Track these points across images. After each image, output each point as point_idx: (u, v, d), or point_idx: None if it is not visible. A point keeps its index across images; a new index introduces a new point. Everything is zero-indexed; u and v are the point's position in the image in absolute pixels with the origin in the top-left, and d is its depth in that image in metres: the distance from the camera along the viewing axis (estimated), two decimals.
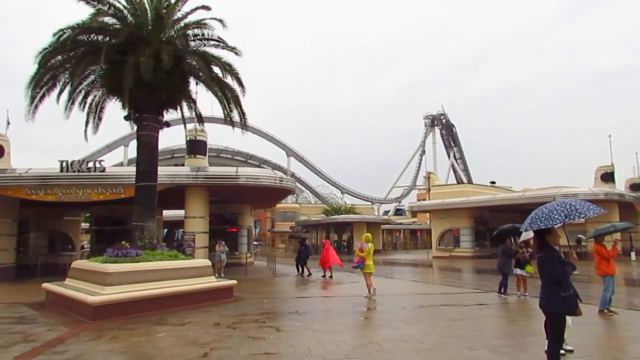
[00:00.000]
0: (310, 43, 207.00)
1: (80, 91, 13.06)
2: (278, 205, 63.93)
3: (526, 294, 11.83)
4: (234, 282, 12.24)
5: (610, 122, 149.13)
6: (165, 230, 41.06)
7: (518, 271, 11.97)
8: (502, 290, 12.17)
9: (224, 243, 18.64)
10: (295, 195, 79.33)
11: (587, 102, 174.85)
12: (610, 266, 9.17)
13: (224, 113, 12.94)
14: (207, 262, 12.13)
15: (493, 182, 44.73)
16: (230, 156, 69.07)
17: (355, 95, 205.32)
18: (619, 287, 14.46)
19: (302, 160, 76.58)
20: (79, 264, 11.24)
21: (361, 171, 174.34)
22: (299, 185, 78.33)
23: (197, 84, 13.26)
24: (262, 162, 70.90)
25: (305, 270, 19.25)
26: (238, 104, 13.06)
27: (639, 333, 7.44)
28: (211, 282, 11.57)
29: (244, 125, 13.26)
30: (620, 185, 35.58)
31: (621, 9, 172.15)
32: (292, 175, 74.64)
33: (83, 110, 13.39)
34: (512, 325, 8.28)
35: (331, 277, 18.04)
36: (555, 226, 4.91)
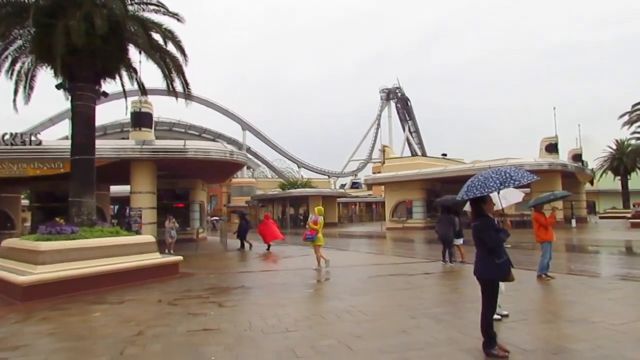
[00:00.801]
0: (269, 14, 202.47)
1: (6, 57, 12.08)
2: (234, 180, 63.31)
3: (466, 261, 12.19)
4: (180, 258, 11.90)
5: (558, 97, 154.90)
6: (117, 206, 39.80)
7: (458, 242, 12.42)
8: (448, 259, 12.46)
9: (173, 219, 18.14)
10: (251, 169, 78.61)
11: (538, 78, 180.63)
12: (548, 233, 9.44)
13: (166, 83, 12.34)
14: (151, 238, 11.70)
15: (444, 155, 45.69)
16: (183, 130, 67.24)
17: (315, 69, 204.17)
18: (559, 254, 15.10)
19: (258, 134, 75.68)
20: (10, 242, 10.57)
21: (319, 146, 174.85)
22: (255, 160, 77.55)
23: (140, 53, 12.54)
24: (216, 137, 69.40)
25: (245, 244, 19.37)
26: (181, 73, 12.47)
27: (574, 297, 7.69)
28: (155, 258, 11.19)
29: (188, 96, 12.73)
30: (564, 157, 37.08)
31: None
32: (248, 149, 73.69)
33: (11, 78, 12.44)
34: (453, 293, 8.41)
35: (268, 249, 18.47)
36: (491, 193, 4.88)
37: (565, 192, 10.67)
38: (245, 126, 73.82)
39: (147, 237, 11.79)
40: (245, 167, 72.61)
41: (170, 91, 12.49)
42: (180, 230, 23.11)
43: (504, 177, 4.88)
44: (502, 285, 4.83)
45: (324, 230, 12.60)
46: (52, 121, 57.94)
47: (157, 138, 55.76)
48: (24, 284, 8.43)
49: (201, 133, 68.95)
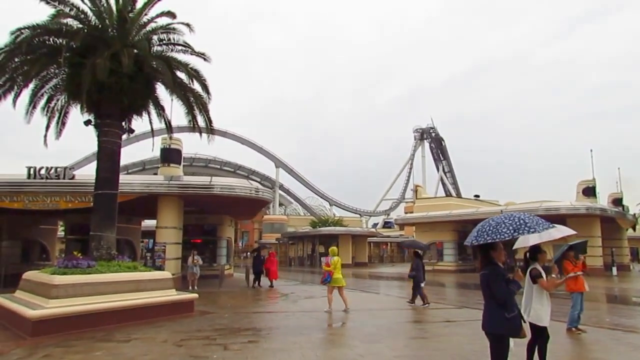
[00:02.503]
0: (304, 55, 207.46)
1: (42, 95, 12.55)
2: (265, 217, 63.51)
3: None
4: (195, 295, 11.68)
5: (595, 138, 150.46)
6: (151, 240, 40.39)
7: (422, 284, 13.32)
8: (421, 301, 13.04)
9: (197, 255, 18.06)
10: (283, 206, 78.91)
11: (577, 118, 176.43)
12: (578, 282, 8.73)
13: (188, 119, 12.48)
14: (167, 274, 11.57)
15: (477, 196, 44.51)
16: (218, 166, 68.56)
17: (348, 107, 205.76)
18: (596, 304, 14.06)
19: (291, 171, 76.10)
20: (29, 275, 10.63)
21: (352, 184, 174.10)
22: (288, 197, 77.90)
23: (169, 92, 12.81)
24: (250, 173, 70.35)
25: (256, 281, 19.44)
26: (204, 110, 12.62)
27: (603, 354, 6.97)
28: (170, 295, 11.00)
29: (210, 131, 12.82)
30: (604, 200, 35.45)
31: (612, 26, 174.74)
32: (281, 186, 74.22)
33: (46, 115, 12.88)
34: (471, 344, 7.78)
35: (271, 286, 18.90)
36: (503, 240, 4.48)
37: (579, 241, 9.84)
38: (279, 163, 74.54)
39: (164, 273, 11.67)
40: (277, 204, 73.31)
41: (193, 127, 12.62)
42: (206, 266, 23.15)
43: (517, 223, 4.49)
44: (512, 341, 4.36)
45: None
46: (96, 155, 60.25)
47: (193, 174, 56.66)
48: (34, 318, 8.35)
49: (235, 169, 70.06)
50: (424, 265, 13.85)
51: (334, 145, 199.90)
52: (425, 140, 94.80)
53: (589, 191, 31.57)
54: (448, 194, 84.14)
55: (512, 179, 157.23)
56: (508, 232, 4.40)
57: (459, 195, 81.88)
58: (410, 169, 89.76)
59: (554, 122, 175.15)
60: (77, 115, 12.73)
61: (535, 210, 26.07)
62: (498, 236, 4.39)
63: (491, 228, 4.50)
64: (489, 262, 4.47)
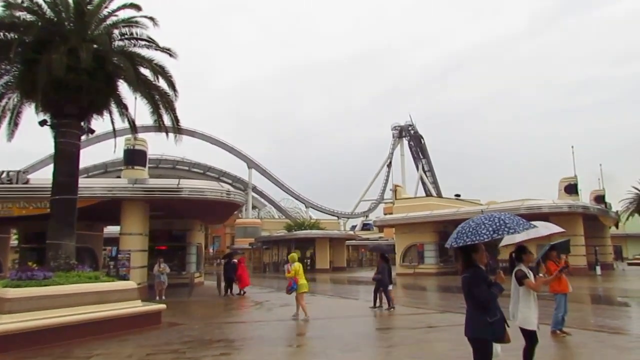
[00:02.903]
0: (278, 51, 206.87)
1: None
2: (238, 220, 63.07)
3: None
4: (162, 306, 11.51)
5: (576, 134, 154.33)
6: (115, 248, 39.65)
7: (390, 287, 13.83)
8: (387, 304, 13.53)
9: (163, 263, 17.85)
10: (257, 209, 78.49)
11: (556, 114, 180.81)
12: (562, 283, 8.94)
13: (153, 118, 12.31)
14: (132, 285, 11.38)
15: (458, 195, 45.15)
16: (187, 168, 67.82)
17: (324, 106, 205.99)
18: (580, 305, 14.42)
19: (264, 172, 75.88)
20: None
21: (329, 185, 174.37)
22: (261, 199, 77.58)
23: (132, 90, 12.60)
24: (220, 175, 69.82)
25: (228, 289, 19.45)
26: (171, 108, 12.46)
27: (588, 357, 7.16)
28: (135, 307, 10.81)
29: (177, 130, 12.67)
30: (586, 198, 36.42)
31: (595, 21, 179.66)
32: (254, 188, 73.90)
33: None
34: (455, 350, 7.88)
35: (244, 293, 19.14)
36: (482, 242, 4.55)
37: (562, 240, 10.13)
38: (251, 164, 74.20)
39: (129, 283, 11.48)
40: (250, 207, 72.93)
41: (159, 127, 12.45)
42: (175, 274, 22.88)
43: (497, 224, 4.56)
44: (498, 347, 4.42)
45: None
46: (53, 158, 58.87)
47: (160, 176, 55.67)
48: None
49: (205, 171, 69.42)
50: (390, 268, 14.29)
51: (310, 145, 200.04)
52: (404, 138, 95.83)
53: (571, 189, 32.40)
54: (428, 194, 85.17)
55: (493, 177, 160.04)
56: (487, 233, 4.47)
57: (439, 195, 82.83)
58: (389, 168, 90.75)
59: (534, 118, 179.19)
60: (31, 115, 12.43)
61: (517, 209, 26.63)
62: (478, 238, 4.45)
63: (471, 229, 4.56)
64: (471, 265, 4.52)
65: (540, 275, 7.90)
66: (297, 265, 12.08)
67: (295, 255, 12.48)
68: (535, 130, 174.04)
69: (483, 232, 4.48)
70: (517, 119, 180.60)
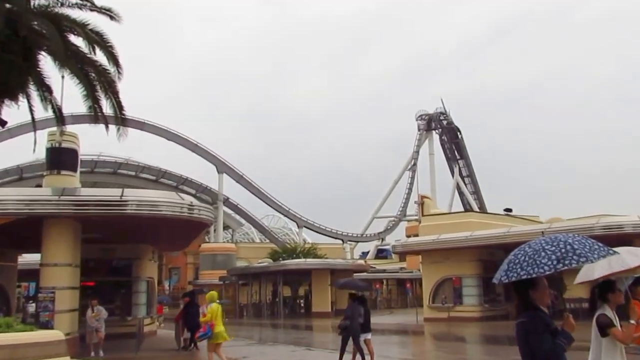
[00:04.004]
0: (258, 12, 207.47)
1: None
2: (204, 246, 63.22)
3: None
4: None
5: None
6: (33, 284, 39.57)
7: (365, 336, 14.11)
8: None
9: (98, 303, 17.88)
10: (230, 230, 78.60)
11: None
12: None
13: (88, 104, 12.40)
14: (59, 335, 11.39)
15: (509, 210, 45.22)
16: (133, 173, 67.86)
17: (323, 86, 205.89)
18: None
19: (241, 179, 75.75)
20: None
21: (329, 196, 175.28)
22: (236, 216, 77.63)
23: (59, 66, 12.68)
24: (180, 182, 69.88)
25: (191, 342, 19.55)
26: (112, 91, 12.59)
27: None
28: None
29: (121, 121, 12.79)
30: None
31: None
32: (227, 200, 73.97)
33: None
34: None
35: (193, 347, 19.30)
36: (544, 275, 4.58)
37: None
38: (223, 167, 74.21)
39: (53, 334, 11.49)
40: (221, 227, 72.99)
41: (96, 116, 12.52)
42: (117, 320, 22.84)
43: (563, 250, 4.57)
44: None
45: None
46: None
47: (96, 185, 56.05)
48: None
49: (159, 177, 69.51)
50: (368, 310, 14.55)
51: (305, 142, 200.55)
52: (434, 132, 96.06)
53: None
54: (468, 208, 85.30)
55: (558, 186, 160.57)
56: (550, 263, 4.48)
57: (483, 210, 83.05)
58: (413, 172, 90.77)
59: (614, 105, 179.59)
60: None
61: (590, 228, 26.67)
62: (536, 269, 4.46)
63: (527, 258, 4.58)
64: (528, 306, 4.55)
65: (632, 322, 7.78)
66: (216, 307, 12.62)
67: (214, 294, 13.17)
68: (612, 122, 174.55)
69: (543, 261, 4.49)
70: (587, 105, 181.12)
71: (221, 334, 12.53)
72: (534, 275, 4.47)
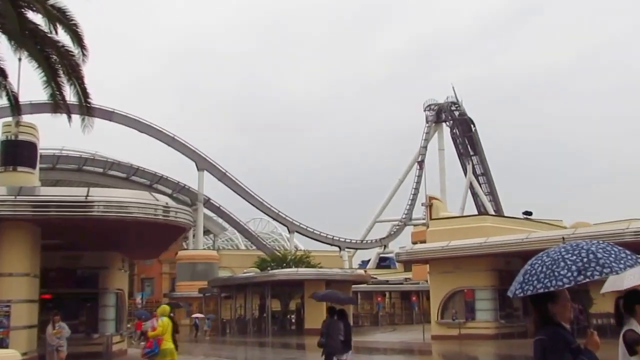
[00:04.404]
0: None
1: None
2: (181, 253, 63.25)
3: None
4: None
5: None
6: None
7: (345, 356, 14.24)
8: None
9: (60, 319, 17.86)
10: (211, 235, 78.50)
11: None
12: None
13: (48, 91, 12.36)
14: (15, 355, 11.41)
15: (528, 213, 45.19)
16: (101, 169, 67.69)
17: (317, 74, 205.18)
18: None
19: (224, 177, 75.58)
20: None
21: (325, 197, 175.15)
22: (218, 220, 77.54)
23: (14, 47, 12.64)
24: (155, 181, 69.77)
25: None
26: (76, 76, 12.53)
27: None
28: None
29: (87, 110, 12.74)
30: None
31: None
32: (207, 202, 73.82)
33: None
34: None
35: None
36: (563, 287, 4.59)
37: None
38: (203, 164, 73.99)
39: (8, 354, 11.51)
40: (201, 232, 72.79)
41: (57, 104, 12.50)
42: (81, 338, 22.77)
43: (585, 260, 4.57)
44: None
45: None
46: None
47: (59, 183, 55.65)
48: None
49: (130, 175, 69.36)
50: (348, 326, 14.70)
51: (298, 136, 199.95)
52: (444, 124, 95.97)
53: None
54: (482, 211, 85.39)
55: (584, 187, 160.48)
56: (569, 274, 4.46)
57: (499, 213, 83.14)
58: (421, 170, 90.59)
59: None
60: None
61: (619, 234, 26.68)
62: (555, 282, 4.46)
63: (544, 269, 4.58)
64: (547, 322, 4.55)
65: None
66: (166, 322, 12.75)
67: (166, 308, 13.41)
68: None
69: (562, 273, 4.49)
70: (620, 95, 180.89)
71: (169, 351, 12.59)
72: (552, 289, 4.47)
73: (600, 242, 4.83)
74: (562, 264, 4.56)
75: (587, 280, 4.52)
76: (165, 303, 26.64)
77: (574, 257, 4.61)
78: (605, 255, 4.59)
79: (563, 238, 23.93)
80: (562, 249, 4.73)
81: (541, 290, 4.48)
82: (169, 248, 32.04)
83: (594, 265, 4.50)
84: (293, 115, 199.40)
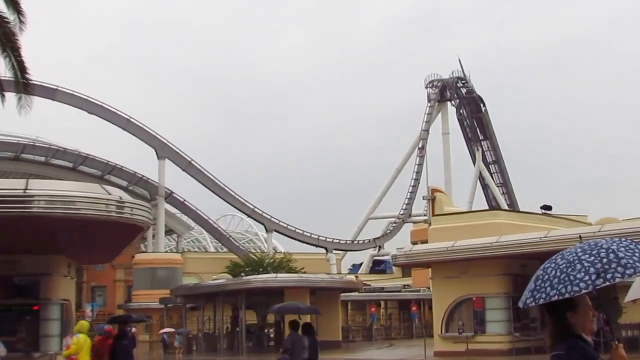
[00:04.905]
0: None
1: None
2: (138, 257, 63.10)
3: None
4: None
5: None
6: None
7: None
8: None
9: None
10: (175, 235, 78.42)
11: None
12: None
13: None
14: None
15: (548, 208, 45.33)
16: (42, 158, 67.48)
17: (300, 43, 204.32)
18: None
19: (189, 167, 75.41)
20: None
21: (308, 191, 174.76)
22: (182, 217, 77.39)
23: None
24: (107, 171, 69.58)
25: None
26: (11, 47, 12.47)
27: None
28: None
29: (24, 87, 12.70)
30: None
31: None
32: (170, 196, 73.69)
33: None
34: None
35: None
36: (582, 293, 4.66)
37: None
38: (165, 151, 73.73)
39: None
40: (162, 231, 72.58)
41: None
42: (20, 357, 22.74)
43: (604, 260, 4.59)
44: None
45: None
46: None
47: None
48: None
49: (77, 164, 69.10)
50: (315, 342, 15.20)
51: (277, 119, 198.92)
52: (449, 104, 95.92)
53: None
54: (494, 205, 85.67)
55: (617, 174, 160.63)
56: (587, 278, 4.51)
57: (513, 207, 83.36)
58: (422, 158, 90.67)
59: None
60: None
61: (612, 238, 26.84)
62: (569, 288, 4.50)
63: (558, 272, 4.62)
64: (566, 334, 4.60)
65: None
66: (82, 339, 13.10)
67: (85, 324, 13.76)
68: None
69: (579, 276, 4.52)
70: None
71: None
72: (567, 296, 4.51)
73: (623, 239, 4.88)
74: (579, 266, 4.60)
75: (607, 283, 4.56)
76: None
77: (592, 257, 4.65)
78: (629, 254, 4.63)
79: (580, 237, 24.07)
80: (579, 249, 4.77)
81: (555, 298, 4.52)
82: (123, 251, 31.90)
83: (614, 266, 4.54)
84: (273, 99, 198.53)
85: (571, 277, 4.61)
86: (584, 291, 4.57)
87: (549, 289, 4.61)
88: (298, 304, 18.53)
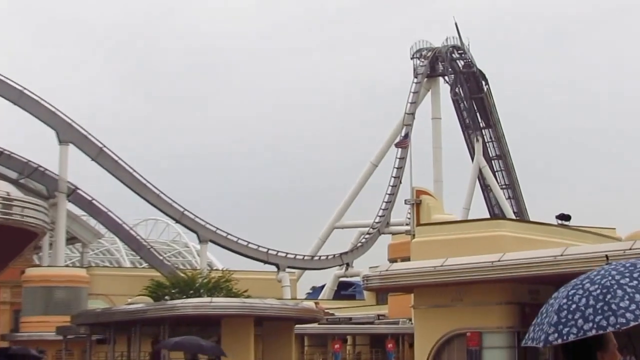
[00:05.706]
0: None
1: None
2: (29, 273, 62.70)
3: None
4: None
5: None
6: None
7: None
8: None
9: None
10: (79, 245, 78.12)
11: None
12: None
13: None
14: None
15: (565, 218, 45.79)
16: None
17: (252, 6, 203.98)
18: None
19: (100, 155, 75.14)
20: None
21: (256, 192, 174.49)
22: (90, 221, 77.07)
23: None
24: None
25: None
26: None
27: None
28: None
29: None
30: None
31: None
32: (73, 193, 73.31)
33: None
34: None
35: None
36: (629, 326, 4.62)
37: None
38: (68, 134, 73.35)
39: None
40: (63, 239, 72.16)
41: None
42: None
43: (636, 287, 4.62)
44: None
45: None
46: None
47: None
48: None
49: None
50: None
51: (218, 98, 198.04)
52: (441, 80, 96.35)
53: None
54: (496, 213, 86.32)
55: None
56: (633, 307, 4.51)
57: (521, 216, 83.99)
58: (404, 150, 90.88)
59: None
60: None
61: None
62: (613, 320, 4.46)
63: (592, 300, 4.58)
64: None
65: None
66: None
67: None
68: None
69: (622, 304, 4.48)
70: None
71: None
72: (609, 330, 4.48)
73: None
74: (620, 292, 4.56)
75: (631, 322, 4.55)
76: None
77: (635, 281, 4.62)
78: None
79: (607, 256, 24.20)
80: (613, 271, 4.72)
81: (592, 333, 4.46)
82: (10, 264, 31.73)
83: None
84: (213, 70, 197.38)
85: (613, 307, 4.55)
86: (632, 323, 4.53)
87: (580, 321, 4.55)
88: (198, 340, 18.29)
